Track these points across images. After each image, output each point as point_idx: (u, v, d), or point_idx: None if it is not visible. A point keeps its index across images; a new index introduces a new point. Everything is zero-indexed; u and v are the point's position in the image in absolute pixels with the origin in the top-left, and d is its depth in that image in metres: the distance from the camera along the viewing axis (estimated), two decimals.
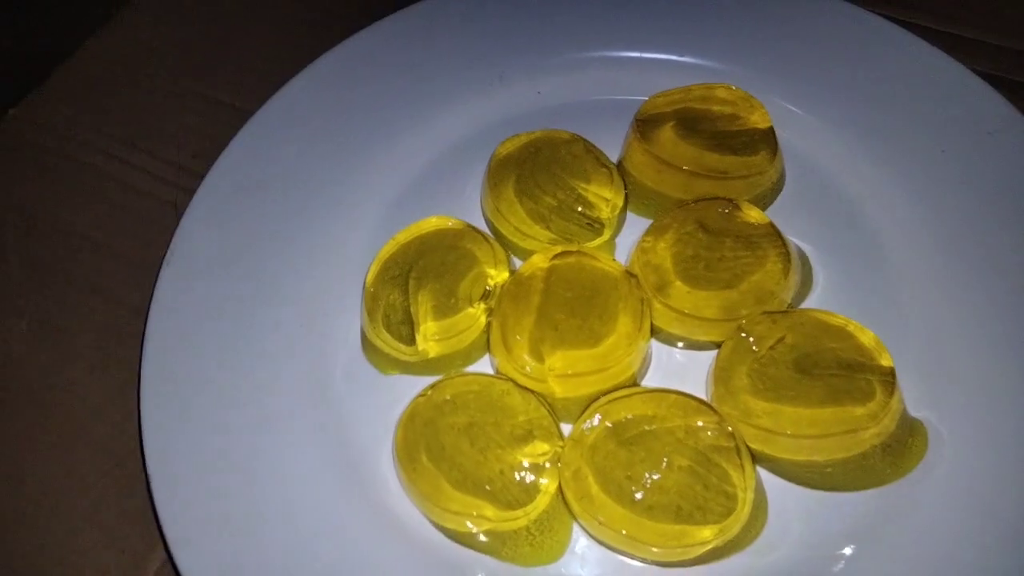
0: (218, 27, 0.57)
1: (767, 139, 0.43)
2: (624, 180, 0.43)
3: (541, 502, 0.34)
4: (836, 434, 0.34)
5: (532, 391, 0.36)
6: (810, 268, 0.41)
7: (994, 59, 0.49)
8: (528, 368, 0.36)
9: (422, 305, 0.39)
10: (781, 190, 0.44)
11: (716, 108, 0.44)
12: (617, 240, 0.43)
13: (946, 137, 0.43)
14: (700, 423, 0.34)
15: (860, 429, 0.34)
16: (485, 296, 0.39)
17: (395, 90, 0.48)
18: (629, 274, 0.39)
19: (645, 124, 0.43)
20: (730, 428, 0.34)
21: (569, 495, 0.34)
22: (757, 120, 0.43)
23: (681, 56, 0.48)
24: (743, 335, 0.36)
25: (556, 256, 0.39)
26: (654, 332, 0.39)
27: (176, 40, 0.57)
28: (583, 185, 0.42)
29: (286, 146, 0.46)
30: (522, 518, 0.34)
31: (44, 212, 0.49)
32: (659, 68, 0.48)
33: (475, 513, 0.34)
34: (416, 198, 0.45)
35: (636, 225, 0.42)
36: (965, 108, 0.43)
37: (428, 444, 0.35)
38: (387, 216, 0.44)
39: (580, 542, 0.35)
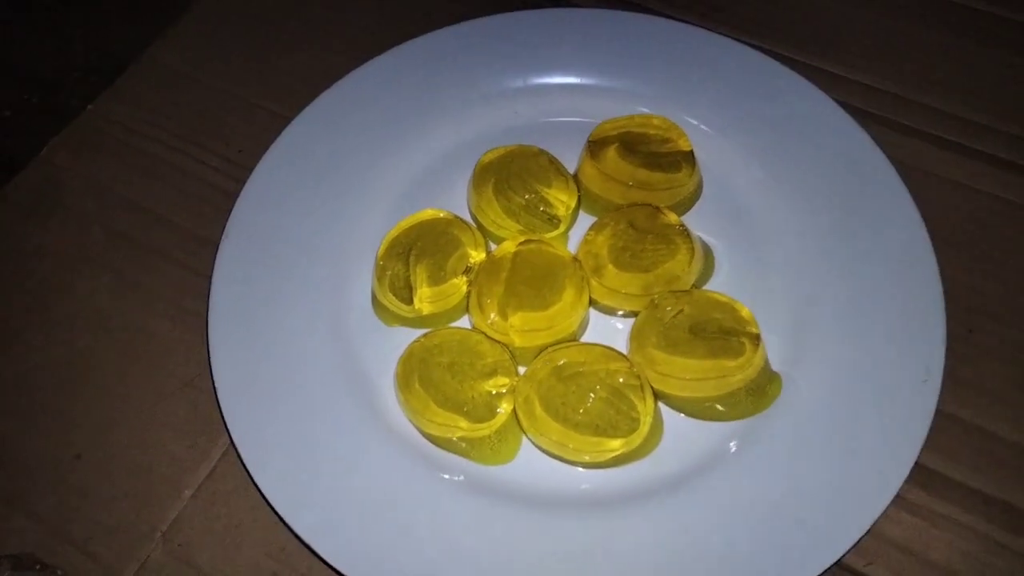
0: (263, 42, 0.66)
1: (688, 159, 0.53)
2: (578, 186, 0.54)
3: (500, 419, 0.45)
4: (712, 378, 0.45)
5: (498, 341, 0.47)
6: (713, 259, 0.52)
7: (865, 96, 0.61)
8: (495, 324, 0.48)
9: (419, 275, 0.49)
10: (698, 198, 0.55)
11: (652, 133, 0.54)
12: (571, 233, 0.54)
13: (822, 165, 0.54)
14: (617, 367, 0.46)
15: (729, 376, 0.45)
16: (467, 271, 0.49)
17: (405, 106, 0.58)
18: (575, 259, 0.50)
19: (595, 144, 0.53)
20: (638, 372, 0.46)
21: (520, 414, 0.45)
22: (682, 144, 0.54)
23: (631, 88, 0.59)
24: (654, 307, 0.48)
25: (521, 243, 0.49)
26: (592, 303, 0.51)
27: (226, 51, 0.66)
28: (546, 189, 0.52)
29: (319, 147, 0.56)
30: (486, 429, 0.45)
31: (117, 190, 0.59)
32: (611, 96, 0.58)
33: (452, 424, 0.45)
34: (418, 193, 0.55)
35: (587, 222, 0.52)
36: (835, 143, 0.55)
37: (420, 375, 0.46)
38: (395, 206, 0.55)
39: (527, 449, 0.47)
